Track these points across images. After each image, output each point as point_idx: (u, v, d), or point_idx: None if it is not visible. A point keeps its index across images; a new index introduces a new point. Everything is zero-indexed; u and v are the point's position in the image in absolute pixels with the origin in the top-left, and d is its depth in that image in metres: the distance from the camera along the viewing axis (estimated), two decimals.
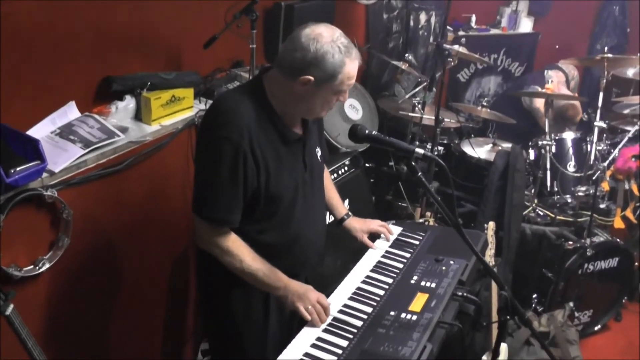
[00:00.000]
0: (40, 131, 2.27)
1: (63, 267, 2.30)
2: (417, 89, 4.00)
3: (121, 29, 2.52)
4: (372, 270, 2.22)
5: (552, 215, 3.64)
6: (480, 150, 3.94)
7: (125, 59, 2.60)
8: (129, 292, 2.67)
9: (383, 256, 2.31)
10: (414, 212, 3.78)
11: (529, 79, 4.60)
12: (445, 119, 3.71)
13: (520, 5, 5.19)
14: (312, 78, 1.87)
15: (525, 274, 3.66)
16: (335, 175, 3.40)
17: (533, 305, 3.57)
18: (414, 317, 1.92)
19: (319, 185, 2.22)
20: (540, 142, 3.72)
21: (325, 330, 1.92)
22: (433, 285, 2.09)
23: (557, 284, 3.47)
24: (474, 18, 4.92)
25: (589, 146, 3.74)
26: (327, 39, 1.87)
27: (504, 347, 2.86)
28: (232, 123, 1.89)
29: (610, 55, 3.89)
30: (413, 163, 1.90)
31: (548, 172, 3.68)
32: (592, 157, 3.70)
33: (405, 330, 1.87)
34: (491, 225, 2.95)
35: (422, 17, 4.51)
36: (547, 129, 3.75)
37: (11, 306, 1.92)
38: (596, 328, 3.73)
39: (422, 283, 2.11)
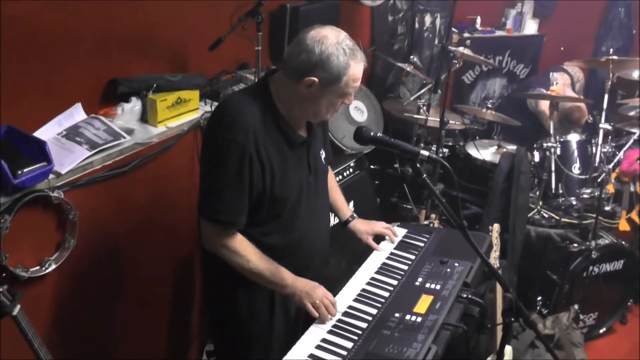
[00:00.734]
0: (46, 133, 2.29)
1: (69, 268, 2.31)
2: (422, 91, 4.01)
3: (127, 31, 2.53)
4: (377, 272, 2.23)
5: (557, 218, 3.64)
6: (485, 152, 3.94)
7: (131, 61, 2.61)
8: (134, 293, 2.68)
9: (388, 258, 2.31)
10: (418, 214, 3.78)
11: (534, 81, 4.59)
12: (450, 121, 3.71)
13: (525, 7, 5.18)
14: (316, 80, 1.88)
15: (530, 276, 3.66)
16: (340, 177, 3.41)
17: (538, 308, 3.56)
18: (419, 319, 1.92)
19: (323, 187, 2.23)
20: (545, 144, 3.71)
21: (330, 332, 1.93)
22: (438, 287, 2.09)
23: (562, 287, 3.47)
24: (479, 20, 4.92)
25: (594, 148, 3.74)
26: (332, 41, 1.88)
27: (508, 349, 2.86)
28: (238, 125, 1.89)
29: (615, 57, 3.88)
30: (418, 165, 1.90)
31: (553, 174, 3.68)
32: (597, 159, 3.69)
33: (410, 332, 1.87)
34: (496, 227, 2.95)
35: (427, 19, 4.51)
36: (552, 131, 3.75)
37: (18, 307, 1.93)
38: (601, 331, 3.72)
39: (427, 285, 2.12)
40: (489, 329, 2.86)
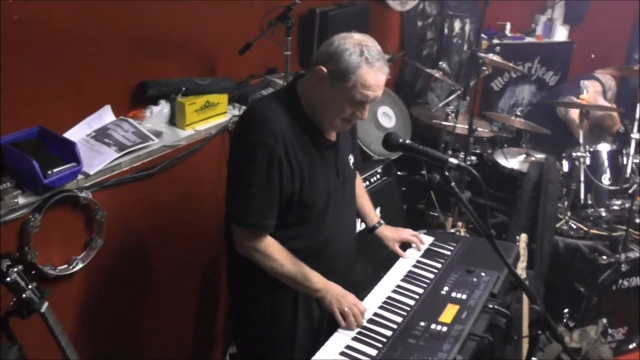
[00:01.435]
0: (76, 134, 2.31)
1: (96, 267, 2.34)
2: (450, 98, 3.98)
3: (157, 34, 2.55)
4: (402, 280, 2.21)
5: (586, 229, 3.58)
6: (513, 161, 3.89)
7: (160, 65, 2.63)
8: (159, 294, 2.70)
9: (414, 266, 2.29)
10: (445, 222, 3.75)
11: (564, 88, 4.53)
12: (479, 128, 3.68)
13: (555, 13, 5.12)
14: (325, 70, 1.87)
15: (557, 288, 3.60)
16: (368, 183, 3.39)
17: (565, 320, 3.51)
18: (444, 329, 1.90)
19: (350, 192, 2.22)
20: (574, 154, 3.66)
21: (355, 339, 1.91)
22: (464, 296, 2.07)
23: (590, 299, 3.40)
24: (508, 26, 4.87)
25: (624, 159, 3.67)
26: (354, 40, 1.87)
27: None
28: (267, 129, 1.89)
29: None
30: (446, 173, 1.88)
31: (582, 185, 3.62)
32: (629, 170, 3.62)
33: (435, 341, 1.85)
34: (523, 237, 2.92)
35: (457, 24, 4.48)
36: (581, 140, 3.69)
37: (46, 304, 1.96)
38: (631, 346, 3.64)
39: (453, 294, 2.09)
40: (515, 340, 2.82)
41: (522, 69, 4.79)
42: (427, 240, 2.47)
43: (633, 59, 5.45)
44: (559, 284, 3.60)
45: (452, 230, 3.53)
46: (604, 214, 3.60)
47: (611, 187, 3.63)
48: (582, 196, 3.62)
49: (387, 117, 3.69)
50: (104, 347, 2.50)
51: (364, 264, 3.16)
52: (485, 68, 3.54)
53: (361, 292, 2.15)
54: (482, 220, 1.83)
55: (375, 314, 2.02)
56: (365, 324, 1.97)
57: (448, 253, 2.39)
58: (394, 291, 2.15)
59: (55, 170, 2.05)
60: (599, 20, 5.18)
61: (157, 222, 2.60)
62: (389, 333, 1.92)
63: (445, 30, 4.44)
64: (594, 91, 4.22)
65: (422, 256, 2.37)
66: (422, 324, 1.94)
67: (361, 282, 3.02)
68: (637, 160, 3.70)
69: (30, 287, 1.93)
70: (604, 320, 3.37)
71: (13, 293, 1.93)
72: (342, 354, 1.84)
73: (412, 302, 2.08)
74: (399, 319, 1.99)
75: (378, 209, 3.29)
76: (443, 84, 4.33)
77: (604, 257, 3.41)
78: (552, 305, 3.54)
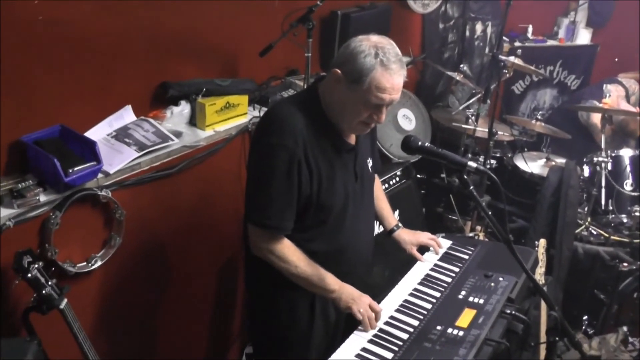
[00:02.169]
0: (97, 133, 2.34)
1: (114, 265, 2.36)
2: (471, 101, 3.96)
3: (178, 35, 2.57)
4: (420, 283, 2.20)
5: (607, 235, 3.53)
6: (533, 165, 3.86)
7: (181, 65, 2.64)
8: (177, 293, 2.72)
9: (432, 269, 2.28)
10: (464, 226, 3.73)
11: (587, 92, 4.48)
12: (499, 132, 3.65)
13: (578, 16, 5.06)
14: (340, 72, 1.86)
15: (576, 294, 3.56)
16: (387, 185, 3.39)
17: (583, 327, 3.47)
18: (461, 333, 1.89)
19: (368, 195, 2.21)
20: (595, 159, 3.61)
21: (371, 341, 1.91)
22: (481, 301, 2.06)
23: (610, 307, 3.36)
24: (530, 29, 4.84)
25: None
26: (370, 42, 1.86)
27: None
28: (287, 131, 1.89)
29: None
30: (465, 176, 1.87)
31: (603, 190, 3.57)
32: None
33: (451, 345, 1.84)
34: (542, 242, 2.89)
35: (479, 27, 4.46)
36: (603, 145, 3.65)
37: (65, 300, 1.99)
38: None
39: (470, 298, 2.08)
40: (532, 347, 2.79)
41: (543, 72, 4.75)
42: (445, 244, 2.46)
43: None
44: (578, 290, 3.56)
45: (471, 234, 3.51)
46: (625, 221, 3.55)
47: (633, 193, 3.58)
48: (603, 202, 3.57)
49: (407, 119, 3.67)
50: (120, 345, 2.52)
51: (382, 267, 3.15)
52: (506, 71, 3.51)
53: (378, 295, 2.14)
54: (501, 225, 1.81)
55: (392, 317, 2.02)
56: (381, 326, 1.97)
57: (466, 257, 2.38)
58: (411, 294, 2.14)
59: (76, 168, 2.08)
60: (623, 23, 5.12)
61: (176, 221, 2.61)
62: (405, 336, 1.92)
63: (467, 33, 4.41)
64: (617, 95, 4.17)
65: (440, 260, 2.36)
66: (438, 328, 1.94)
67: (378, 285, 3.02)
68: None
69: (50, 283, 1.96)
70: (625, 329, 3.33)
71: (33, 289, 1.96)
72: (358, 356, 1.84)
73: (429, 306, 2.07)
74: (415, 323, 1.98)
75: (397, 212, 3.28)
76: (464, 87, 4.31)
77: (625, 264, 3.37)
78: (570, 312, 3.50)
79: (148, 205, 2.45)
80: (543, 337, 2.79)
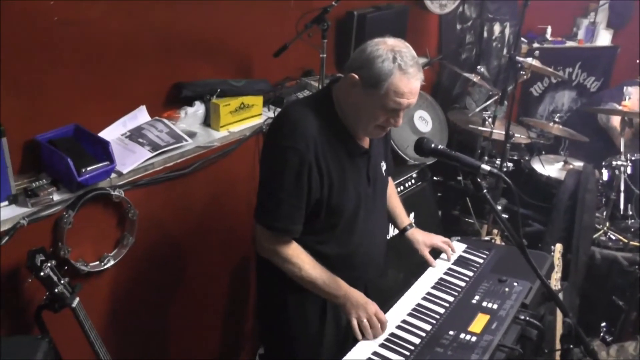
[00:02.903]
0: (111, 133, 2.34)
1: (126, 264, 2.36)
2: (488, 102, 3.92)
3: (193, 36, 2.57)
4: (433, 287, 2.18)
5: (625, 240, 3.48)
6: (550, 168, 3.81)
7: (196, 66, 2.64)
8: (189, 294, 2.72)
9: (445, 273, 2.26)
10: (480, 229, 3.70)
11: (606, 95, 4.42)
12: (516, 135, 3.61)
13: (598, 17, 4.99)
14: (357, 77, 1.84)
15: (594, 300, 3.51)
16: (402, 187, 3.36)
17: (601, 334, 3.41)
18: (474, 339, 1.87)
19: (381, 199, 2.19)
20: (614, 162, 3.56)
21: (382, 345, 1.89)
22: (495, 306, 2.03)
23: (629, 314, 3.31)
24: (549, 29, 4.78)
25: None
26: (387, 46, 1.83)
27: None
28: (298, 133, 1.88)
29: None
30: (479, 179, 1.85)
31: (622, 194, 3.52)
32: None
33: (463, 350, 1.82)
34: (558, 247, 2.85)
35: (497, 28, 4.42)
36: (622, 149, 3.59)
37: (77, 299, 1.99)
38: None
39: (484, 303, 2.06)
40: (547, 353, 2.76)
41: (562, 74, 4.69)
42: (460, 247, 2.44)
43: None
44: (596, 296, 3.50)
45: (487, 238, 3.47)
46: None
47: None
48: (621, 206, 3.52)
49: (424, 121, 3.65)
50: (132, 344, 2.52)
51: (395, 270, 3.13)
52: (523, 73, 3.47)
53: (391, 298, 2.13)
54: (515, 229, 1.79)
55: (404, 321, 2.00)
56: (393, 330, 1.95)
57: (480, 261, 2.35)
58: (424, 298, 2.12)
59: (89, 168, 2.08)
60: None
61: (189, 222, 2.61)
62: (417, 341, 1.90)
63: (485, 34, 4.37)
64: (638, 98, 4.11)
65: (454, 263, 2.33)
66: (451, 332, 1.91)
67: (391, 287, 3.00)
68: None
69: (62, 282, 1.97)
70: None
71: (46, 287, 1.97)
72: None
73: (441, 310, 2.05)
74: (427, 327, 1.96)
75: (412, 215, 3.26)
76: (481, 88, 4.27)
77: None
78: (587, 319, 3.45)
79: (161, 206, 2.45)
80: (558, 344, 2.76)
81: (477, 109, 3.96)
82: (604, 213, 3.54)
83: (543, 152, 4.04)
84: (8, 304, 2.05)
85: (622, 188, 3.52)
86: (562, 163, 3.88)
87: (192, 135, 2.54)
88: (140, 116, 2.46)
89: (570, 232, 3.44)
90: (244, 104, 2.74)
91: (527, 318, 1.99)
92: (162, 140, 2.39)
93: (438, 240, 2.38)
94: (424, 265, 2.33)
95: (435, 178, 3.88)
